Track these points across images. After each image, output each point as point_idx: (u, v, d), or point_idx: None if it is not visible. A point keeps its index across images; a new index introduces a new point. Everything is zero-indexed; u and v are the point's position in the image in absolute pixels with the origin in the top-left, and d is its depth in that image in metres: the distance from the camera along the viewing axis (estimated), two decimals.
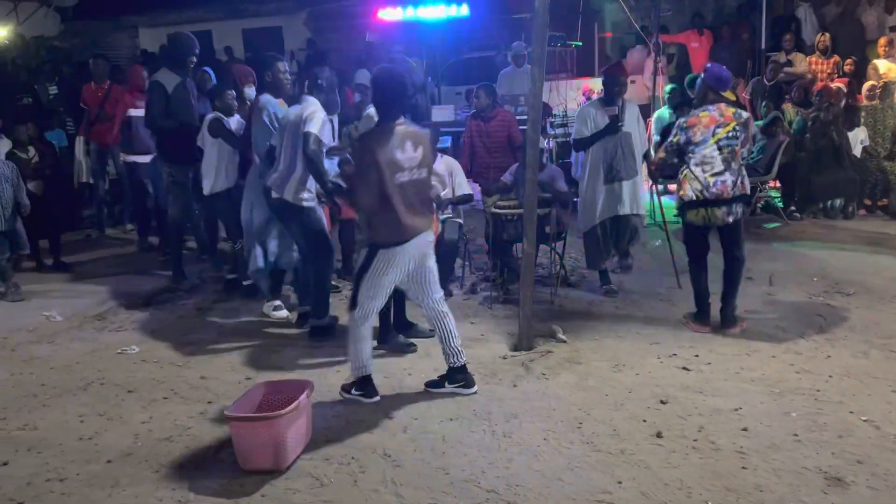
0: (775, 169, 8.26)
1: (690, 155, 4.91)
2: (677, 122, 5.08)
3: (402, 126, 3.96)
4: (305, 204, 5.04)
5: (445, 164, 6.24)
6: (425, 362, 4.71)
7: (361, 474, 3.41)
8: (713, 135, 4.86)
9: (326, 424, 3.89)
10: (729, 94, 5.13)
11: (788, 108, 8.96)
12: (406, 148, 3.92)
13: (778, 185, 8.76)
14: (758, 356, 4.60)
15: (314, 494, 3.27)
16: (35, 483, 3.45)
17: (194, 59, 6.30)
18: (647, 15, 11.48)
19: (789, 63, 10.26)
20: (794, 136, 8.44)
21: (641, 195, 5.98)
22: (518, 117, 7.64)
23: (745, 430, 3.67)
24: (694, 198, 4.89)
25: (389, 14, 11.68)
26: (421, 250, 4.05)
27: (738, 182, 4.87)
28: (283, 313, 5.68)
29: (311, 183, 5.02)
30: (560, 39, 10.49)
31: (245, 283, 6.06)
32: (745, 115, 4.97)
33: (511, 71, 9.72)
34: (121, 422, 4.04)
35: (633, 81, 8.80)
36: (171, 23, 17.11)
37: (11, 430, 4.00)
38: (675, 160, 5.10)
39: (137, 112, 7.47)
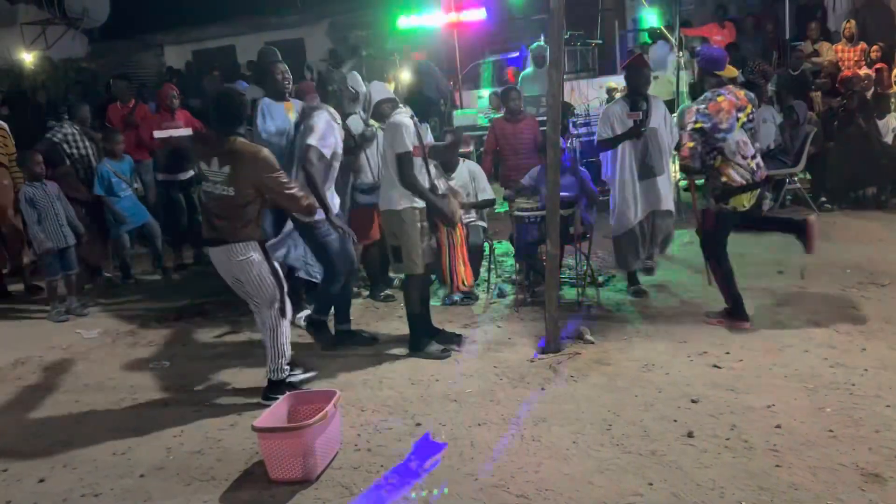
0: (804, 160, 8.13)
1: (721, 143, 4.81)
2: (695, 109, 4.90)
3: (232, 143, 4.12)
4: (307, 218, 4.77)
5: (468, 169, 6.23)
6: (452, 367, 4.71)
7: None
8: (737, 119, 4.81)
9: (355, 433, 3.90)
10: (730, 70, 5.01)
11: (817, 97, 8.81)
12: (212, 163, 4.12)
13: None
14: (790, 351, 4.52)
15: (345, 503, 3.28)
16: (71, 499, 3.50)
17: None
18: (670, 10, 11.39)
19: (816, 53, 10.10)
20: (821, 126, 8.30)
21: (671, 194, 5.86)
22: (540, 118, 7.60)
23: (778, 427, 3.60)
24: (744, 182, 4.84)
25: (409, 21, 11.75)
26: (217, 258, 4.21)
27: (762, 165, 4.93)
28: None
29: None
30: (580, 38, 10.44)
31: None
32: (752, 95, 5.02)
33: (532, 73, 9.69)
34: (153, 436, 4.08)
35: (656, 77, 8.71)
36: (195, 39, 17.41)
37: (47, 446, 4.07)
38: (700, 148, 4.91)
39: (163, 134, 7.52)
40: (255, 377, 4.80)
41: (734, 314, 5.03)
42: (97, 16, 15.42)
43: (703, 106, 4.85)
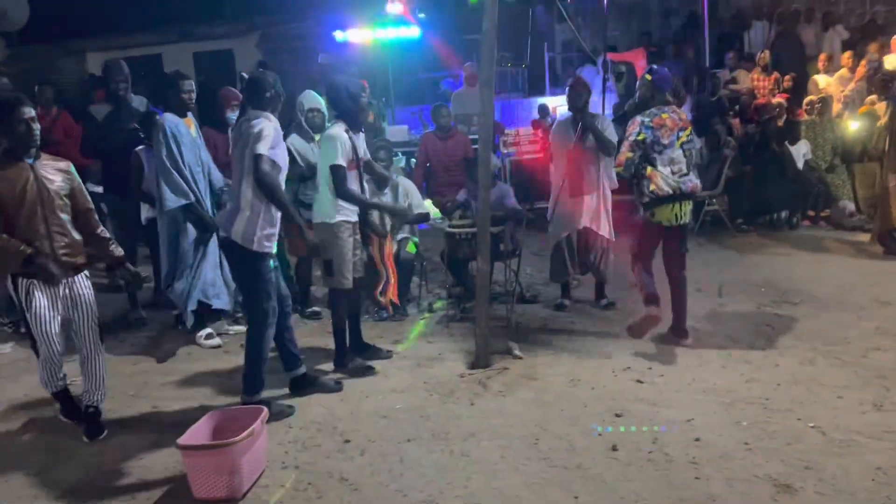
0: (722, 183, 8.46)
1: (656, 155, 4.92)
2: (639, 121, 4.96)
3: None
4: (257, 248, 4.17)
5: (402, 185, 6.25)
6: (382, 383, 4.70)
7: (319, 500, 3.38)
8: (678, 137, 4.96)
9: (283, 450, 3.85)
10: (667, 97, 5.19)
11: (735, 123, 9.21)
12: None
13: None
14: (709, 367, 4.69)
15: None
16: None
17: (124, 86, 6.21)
18: (596, 35, 11.74)
19: (733, 80, 10.56)
20: (739, 150, 8.67)
21: (605, 213, 5.89)
22: (471, 136, 7.71)
23: (697, 440, 3.73)
24: (670, 192, 4.91)
25: (344, 36, 11.74)
26: None
27: (696, 181, 5.04)
28: (216, 341, 5.59)
29: (267, 221, 4.20)
30: (510, 58, 10.65)
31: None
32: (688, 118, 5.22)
33: (464, 91, 9.83)
34: (70, 455, 3.94)
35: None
36: (120, 47, 16.90)
37: None
38: (637, 159, 4.98)
39: None
40: (178, 395, 4.69)
41: (645, 302, 5.09)
42: (16, 18, 14.83)
43: (648, 119, 4.95)
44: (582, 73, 12.03)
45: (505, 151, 9.03)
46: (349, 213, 4.73)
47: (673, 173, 4.93)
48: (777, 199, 8.55)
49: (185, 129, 5.43)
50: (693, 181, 5.01)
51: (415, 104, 12.58)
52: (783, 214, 8.64)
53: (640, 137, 4.93)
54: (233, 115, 5.77)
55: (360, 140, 4.82)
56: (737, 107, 9.72)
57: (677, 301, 5.15)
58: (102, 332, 4.21)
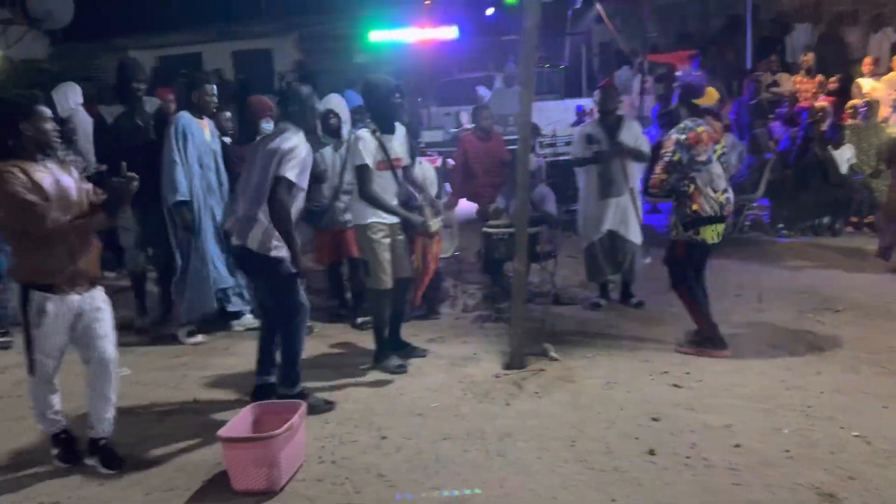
0: (762, 187, 8.35)
1: (695, 174, 4.83)
2: (674, 139, 4.88)
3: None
4: (275, 254, 4.11)
5: (421, 172, 5.81)
6: (418, 381, 4.71)
7: (356, 495, 3.40)
8: (714, 152, 4.89)
9: (320, 445, 3.88)
10: (711, 92, 5.08)
11: (776, 126, 9.07)
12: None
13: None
14: (748, 373, 4.62)
15: None
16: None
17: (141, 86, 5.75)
18: (633, 36, 11.65)
19: (775, 83, 10.41)
20: (780, 155, 8.55)
21: (634, 216, 5.90)
22: (507, 137, 7.70)
23: (737, 446, 3.68)
24: (713, 214, 4.84)
25: (380, 36, 11.81)
26: None
27: (731, 199, 4.98)
28: (199, 338, 5.68)
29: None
30: (548, 60, 10.61)
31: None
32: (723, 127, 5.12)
33: (501, 91, 9.82)
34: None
35: (620, 101, 8.92)
36: (161, 45, 17.20)
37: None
38: (673, 181, 4.91)
39: None
40: (216, 387, 4.75)
41: (712, 342, 4.91)
42: (61, 17, 15.14)
43: (683, 136, 4.84)
44: (619, 75, 11.99)
45: (541, 153, 8.99)
46: (382, 213, 4.72)
47: (714, 191, 4.84)
48: (819, 205, 8.41)
49: (197, 129, 5.47)
50: (730, 198, 4.96)
51: (451, 105, 12.61)
52: (825, 220, 8.49)
53: (675, 158, 4.84)
54: (267, 125, 5.54)
55: (393, 141, 4.79)
56: (778, 110, 9.58)
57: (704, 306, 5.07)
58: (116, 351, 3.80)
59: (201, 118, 5.56)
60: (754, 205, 8.51)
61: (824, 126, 8.75)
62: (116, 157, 4.38)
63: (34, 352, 3.59)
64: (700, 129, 4.86)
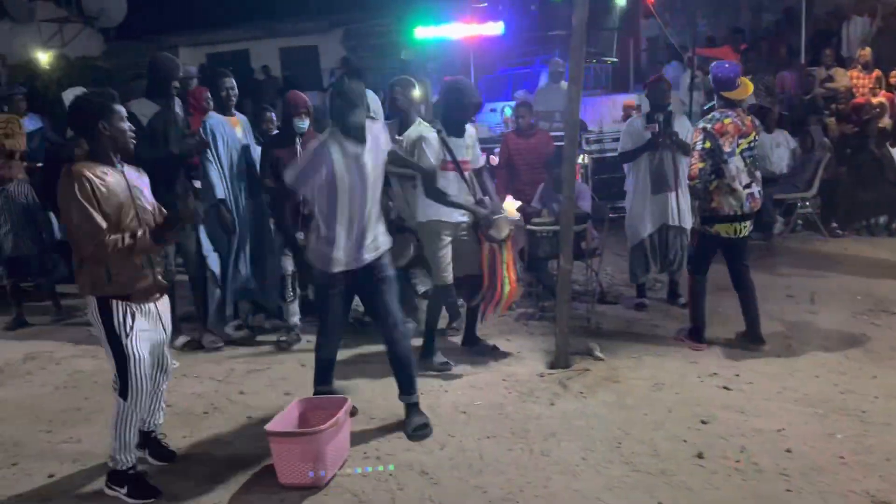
0: (816, 185, 8.14)
1: (723, 165, 4.80)
2: (701, 128, 4.87)
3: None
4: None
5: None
6: (461, 379, 4.71)
7: (400, 491, 3.41)
8: (738, 145, 4.82)
9: (365, 441, 3.90)
10: (743, 88, 4.94)
11: (831, 122, 8.83)
12: None
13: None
14: (800, 376, 4.52)
15: None
16: (81, 494, 3.51)
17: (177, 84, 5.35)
18: (683, 30, 11.45)
19: (830, 78, 10.13)
20: (835, 152, 8.32)
21: (688, 210, 5.78)
22: (553, 133, 7.62)
23: (788, 451, 3.60)
24: (731, 213, 4.84)
25: (426, 32, 11.81)
26: None
27: (759, 194, 4.90)
28: (242, 332, 5.73)
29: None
30: (595, 55, 10.48)
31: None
32: (758, 122, 5.01)
33: (547, 87, 9.73)
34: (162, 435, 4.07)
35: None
36: (209, 42, 17.49)
37: (57, 442, 4.08)
38: (709, 168, 4.85)
39: None
40: (264, 382, 4.82)
41: (694, 334, 5.10)
42: (114, 15, 15.51)
43: (710, 126, 4.82)
44: (668, 70, 11.79)
45: (588, 149, 8.89)
46: (446, 212, 4.72)
47: (739, 186, 4.81)
48: (875, 204, 8.17)
49: (228, 128, 5.40)
50: (756, 196, 4.87)
51: (496, 100, 12.56)
52: (881, 220, 8.25)
53: (706, 146, 4.81)
54: (302, 124, 5.29)
55: (459, 143, 4.79)
56: (833, 106, 9.31)
57: (749, 308, 5.01)
58: None
59: (232, 115, 5.52)
60: (807, 203, 8.30)
61: (883, 123, 8.48)
62: (151, 161, 4.25)
63: (131, 369, 3.31)
64: (727, 120, 4.80)
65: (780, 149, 8.41)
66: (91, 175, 3.19)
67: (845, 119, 8.88)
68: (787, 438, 3.73)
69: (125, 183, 3.32)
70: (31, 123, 7.34)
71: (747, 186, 4.85)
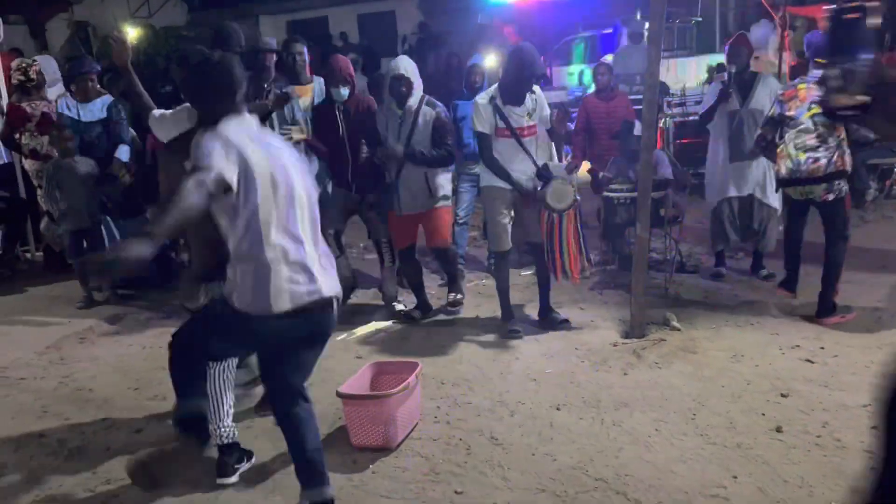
0: None
1: (787, 129, 4.71)
2: (776, 93, 4.92)
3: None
4: None
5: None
6: (533, 347, 4.70)
7: (469, 456, 3.44)
8: (808, 109, 4.64)
9: (435, 405, 3.95)
10: None
11: None
12: None
13: None
14: (889, 349, 4.30)
15: (422, 473, 3.33)
16: (164, 447, 3.67)
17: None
18: None
19: None
20: None
21: (770, 181, 5.52)
22: (633, 97, 7.42)
23: (874, 428, 3.44)
24: (787, 177, 4.72)
25: None
26: None
27: (835, 159, 4.58)
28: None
29: None
30: (678, 15, 10.11)
31: None
32: None
33: (627, 49, 9.46)
34: (243, 395, 4.21)
35: (756, 57, 8.39)
36: (289, 10, 17.69)
37: (143, 399, 4.29)
38: (770, 136, 4.87)
39: None
40: (339, 344, 4.90)
41: (784, 282, 5.18)
42: None
43: (781, 91, 4.85)
44: (755, 30, 11.27)
45: (669, 113, 8.62)
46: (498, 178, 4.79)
47: (797, 149, 4.63)
48: None
49: (294, 101, 4.99)
50: (816, 158, 4.58)
51: (573, 64, 12.31)
52: None
53: (771, 113, 4.86)
54: (344, 91, 5.12)
55: (519, 110, 4.73)
56: None
57: (823, 277, 4.82)
58: None
59: (300, 84, 5.40)
60: None
61: None
62: None
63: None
64: (801, 86, 4.73)
65: None
66: None
67: None
68: (872, 415, 3.57)
69: None
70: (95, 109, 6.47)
71: (811, 150, 4.62)
